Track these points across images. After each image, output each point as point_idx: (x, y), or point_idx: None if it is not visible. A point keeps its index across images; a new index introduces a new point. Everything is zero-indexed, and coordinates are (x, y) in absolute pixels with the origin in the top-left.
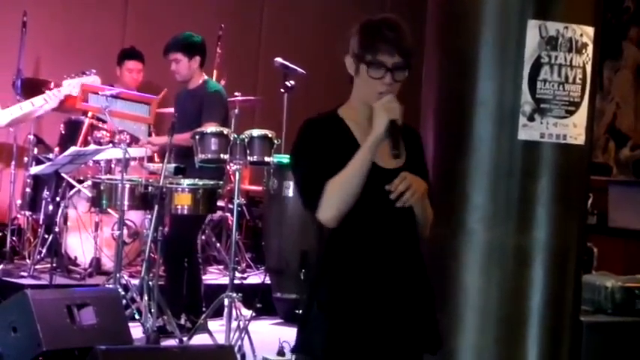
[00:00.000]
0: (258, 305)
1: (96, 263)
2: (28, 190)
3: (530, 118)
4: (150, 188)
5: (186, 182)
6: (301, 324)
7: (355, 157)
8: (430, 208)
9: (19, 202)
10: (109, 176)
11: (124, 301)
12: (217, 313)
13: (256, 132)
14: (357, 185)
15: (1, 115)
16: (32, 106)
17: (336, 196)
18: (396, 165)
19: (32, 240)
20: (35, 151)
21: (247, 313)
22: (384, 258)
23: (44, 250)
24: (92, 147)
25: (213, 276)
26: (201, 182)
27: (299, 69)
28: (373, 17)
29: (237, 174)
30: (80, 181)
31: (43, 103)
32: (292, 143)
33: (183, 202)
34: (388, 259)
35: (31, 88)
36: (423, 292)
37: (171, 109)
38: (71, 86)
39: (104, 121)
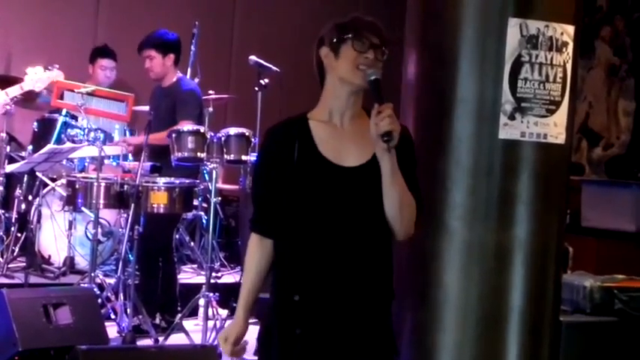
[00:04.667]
0: (234, 305)
1: (69, 262)
2: (0, 188)
3: (511, 117)
4: (125, 187)
5: (162, 181)
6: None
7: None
8: (413, 201)
9: None
10: (84, 175)
11: (99, 301)
12: (192, 313)
13: (233, 130)
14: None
15: None
16: None
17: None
18: (357, 163)
19: (5, 238)
20: (8, 149)
21: (223, 312)
22: (344, 259)
23: (17, 249)
24: (68, 145)
25: (187, 275)
26: (177, 181)
27: (273, 67)
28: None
29: (214, 173)
30: (52, 180)
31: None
32: None
33: (159, 200)
34: (348, 260)
35: (2, 84)
36: (379, 295)
37: (146, 107)
38: (33, 81)
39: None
